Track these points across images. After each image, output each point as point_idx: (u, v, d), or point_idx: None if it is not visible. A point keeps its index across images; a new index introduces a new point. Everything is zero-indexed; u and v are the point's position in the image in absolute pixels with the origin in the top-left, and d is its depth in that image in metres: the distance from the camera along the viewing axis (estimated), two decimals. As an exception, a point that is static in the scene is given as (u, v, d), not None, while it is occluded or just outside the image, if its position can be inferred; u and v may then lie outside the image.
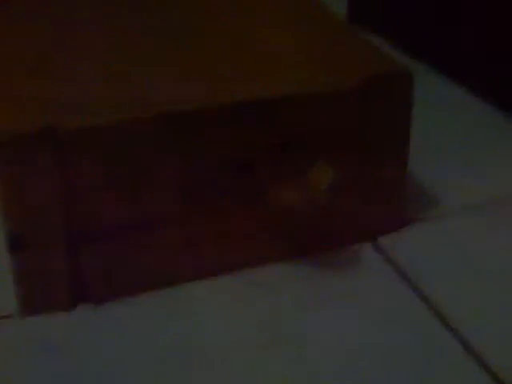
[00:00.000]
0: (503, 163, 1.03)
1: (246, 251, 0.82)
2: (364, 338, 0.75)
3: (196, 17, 0.95)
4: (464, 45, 1.17)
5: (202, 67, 0.82)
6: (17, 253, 0.75)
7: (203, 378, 0.70)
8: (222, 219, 0.79)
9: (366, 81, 0.79)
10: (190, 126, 0.74)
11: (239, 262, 0.82)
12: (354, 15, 1.40)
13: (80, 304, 0.77)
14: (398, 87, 0.82)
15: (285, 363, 0.72)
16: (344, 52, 0.87)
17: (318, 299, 0.79)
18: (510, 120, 1.11)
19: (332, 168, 0.77)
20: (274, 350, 0.73)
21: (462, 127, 1.11)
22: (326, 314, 0.78)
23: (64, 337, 0.74)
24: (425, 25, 1.26)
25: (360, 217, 0.85)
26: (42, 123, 0.70)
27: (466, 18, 1.17)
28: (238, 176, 0.77)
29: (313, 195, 0.77)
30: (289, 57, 0.85)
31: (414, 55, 1.28)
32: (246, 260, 0.82)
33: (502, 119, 1.12)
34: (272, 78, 0.80)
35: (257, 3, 1.00)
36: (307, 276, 0.82)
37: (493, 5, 1.10)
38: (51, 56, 0.85)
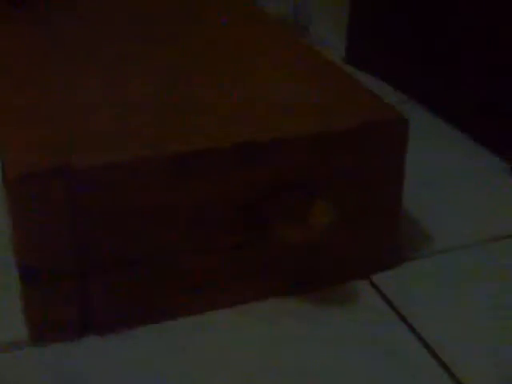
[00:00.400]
0: (498, 203, 1.07)
1: (246, 286, 0.85)
2: (355, 370, 0.78)
3: (196, 55, 1.00)
4: (461, 89, 1.21)
5: (203, 108, 0.86)
6: (27, 284, 0.78)
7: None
8: (224, 256, 0.83)
9: (364, 124, 0.83)
10: (194, 167, 0.78)
11: (239, 296, 0.85)
12: (352, 57, 1.45)
13: (88, 334, 0.81)
14: (393, 131, 0.86)
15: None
16: (343, 96, 0.91)
17: (314, 333, 0.83)
18: (503, 161, 1.16)
19: (332, 207, 0.81)
20: (272, 379, 0.77)
21: (456, 167, 1.15)
22: (321, 348, 0.81)
23: (72, 365, 0.78)
24: (422, 68, 1.30)
25: (355, 254, 0.89)
26: (55, 161, 0.74)
27: (464, 62, 1.21)
28: (240, 214, 0.81)
29: (313, 233, 0.80)
30: (288, 99, 0.89)
31: (410, 96, 1.32)
32: (245, 294, 0.85)
33: (497, 161, 1.16)
34: (271, 120, 0.84)
35: (257, 49, 1.04)
36: (304, 311, 0.86)
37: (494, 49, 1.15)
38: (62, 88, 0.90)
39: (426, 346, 0.81)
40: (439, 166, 1.15)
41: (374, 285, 0.90)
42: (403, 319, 0.85)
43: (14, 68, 0.96)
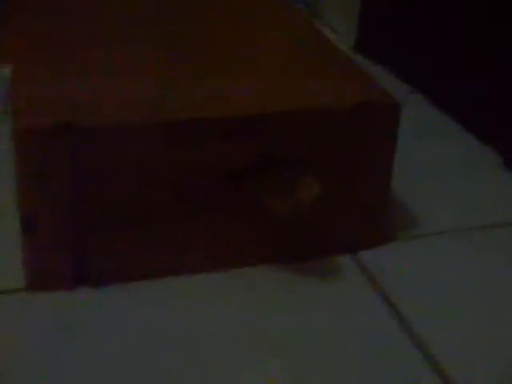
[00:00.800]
0: (488, 194, 1.10)
1: (235, 253, 0.90)
2: (329, 342, 0.81)
3: (200, 31, 1.04)
4: (463, 83, 1.25)
5: (205, 86, 0.90)
6: (27, 233, 0.83)
7: (185, 372, 0.77)
8: (213, 223, 0.87)
9: (355, 105, 0.87)
10: (189, 135, 0.82)
11: (229, 261, 0.90)
12: (361, 46, 1.48)
13: (82, 285, 0.86)
14: (385, 114, 0.89)
15: (262, 356, 0.79)
16: (339, 77, 0.95)
17: (296, 302, 0.87)
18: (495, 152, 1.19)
19: (318, 183, 0.85)
20: (254, 345, 0.81)
21: (449, 155, 1.19)
22: (298, 316, 0.85)
23: (67, 313, 0.83)
24: (429, 57, 1.34)
25: (342, 230, 0.93)
26: (60, 120, 0.79)
27: (473, 62, 1.25)
28: (228, 185, 0.85)
29: (299, 206, 0.85)
30: (283, 76, 0.93)
31: (416, 87, 1.36)
32: (234, 260, 0.90)
33: (491, 152, 1.19)
34: (264, 95, 0.88)
35: (260, 23, 1.09)
36: (288, 280, 0.90)
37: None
38: (77, 52, 0.95)
39: (403, 322, 0.85)
40: (434, 155, 1.18)
41: (358, 261, 0.94)
42: (384, 297, 0.89)
43: (31, 29, 1.01)
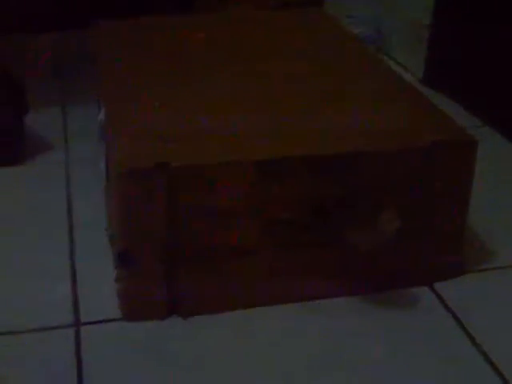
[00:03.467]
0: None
1: (314, 284, 0.93)
2: (410, 371, 0.84)
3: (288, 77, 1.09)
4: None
5: (292, 124, 0.95)
6: (123, 267, 0.89)
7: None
8: (298, 256, 0.91)
9: (432, 144, 0.90)
10: (276, 173, 0.87)
11: (307, 292, 0.93)
12: (429, 78, 1.51)
13: (172, 314, 0.91)
14: (461, 152, 0.93)
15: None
16: (415, 116, 0.98)
17: (375, 332, 0.90)
18: None
19: (398, 216, 0.88)
20: (332, 371, 0.84)
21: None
22: (381, 345, 0.88)
23: (158, 342, 0.88)
24: (498, 93, 1.36)
25: (420, 262, 0.96)
26: (157, 161, 0.84)
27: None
28: (314, 218, 0.89)
29: (380, 239, 0.88)
30: (363, 114, 0.97)
31: (486, 120, 1.38)
32: (312, 291, 0.94)
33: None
34: (347, 133, 0.92)
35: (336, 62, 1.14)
36: (368, 311, 0.93)
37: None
38: (177, 93, 1.00)
39: (481, 351, 0.87)
40: (509, 187, 1.21)
41: (435, 292, 0.97)
42: (462, 326, 0.91)
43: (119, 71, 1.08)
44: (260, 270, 0.91)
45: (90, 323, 0.90)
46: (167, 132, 0.91)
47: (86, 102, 1.26)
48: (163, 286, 0.89)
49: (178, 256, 0.88)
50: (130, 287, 0.89)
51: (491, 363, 0.86)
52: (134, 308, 0.90)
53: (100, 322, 0.90)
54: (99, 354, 0.85)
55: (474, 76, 1.42)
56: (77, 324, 0.90)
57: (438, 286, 0.98)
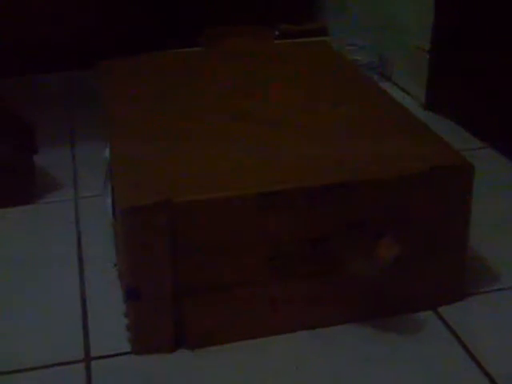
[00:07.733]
0: None
1: (318, 312, 0.95)
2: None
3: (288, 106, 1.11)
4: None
5: (291, 154, 0.97)
6: (131, 302, 0.91)
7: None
8: (301, 286, 0.93)
9: (430, 169, 0.92)
10: (276, 205, 0.89)
11: (312, 320, 0.95)
12: (431, 103, 1.54)
13: (180, 347, 0.92)
14: (459, 176, 0.94)
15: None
16: (412, 141, 1.00)
17: (380, 359, 0.91)
18: None
19: (397, 243, 0.90)
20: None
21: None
22: (389, 371, 0.89)
23: (168, 373, 0.90)
24: (499, 115, 1.38)
25: (422, 287, 0.97)
26: (159, 198, 0.87)
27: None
28: (313, 249, 0.91)
29: (379, 266, 0.90)
30: (360, 141, 0.99)
31: (487, 142, 1.40)
32: (318, 319, 0.95)
33: None
34: (344, 162, 0.94)
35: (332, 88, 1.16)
36: (372, 337, 0.94)
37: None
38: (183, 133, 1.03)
39: (488, 375, 0.88)
40: (509, 211, 1.22)
41: (440, 316, 0.98)
42: (467, 350, 0.92)
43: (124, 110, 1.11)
44: (264, 301, 0.93)
45: (101, 357, 0.92)
46: (170, 168, 0.94)
47: (95, 140, 1.29)
48: (170, 320, 0.91)
49: (183, 290, 0.90)
50: (138, 321, 0.91)
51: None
52: (143, 341, 0.92)
53: (110, 356, 0.92)
54: (109, 387, 0.88)
55: (475, 99, 1.43)
56: (87, 359, 0.92)
57: (442, 309, 0.99)
